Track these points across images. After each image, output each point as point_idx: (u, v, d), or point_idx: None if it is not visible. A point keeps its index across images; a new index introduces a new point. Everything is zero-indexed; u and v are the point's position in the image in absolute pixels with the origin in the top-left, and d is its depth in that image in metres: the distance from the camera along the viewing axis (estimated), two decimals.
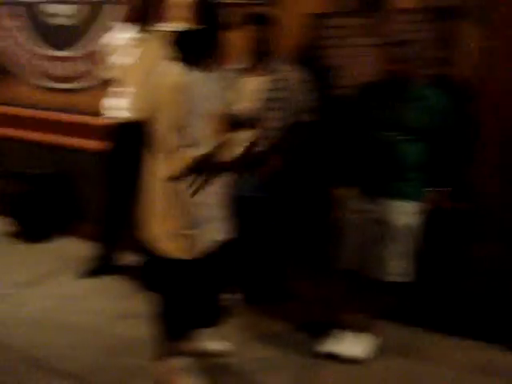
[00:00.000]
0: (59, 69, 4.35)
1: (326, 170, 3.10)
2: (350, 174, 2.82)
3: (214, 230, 2.34)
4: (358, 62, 3.13)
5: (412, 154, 2.65)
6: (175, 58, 2.18)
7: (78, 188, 4.33)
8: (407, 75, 2.62)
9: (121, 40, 3.43)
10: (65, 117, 4.31)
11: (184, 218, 2.24)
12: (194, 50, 2.19)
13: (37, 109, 4.46)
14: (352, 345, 2.84)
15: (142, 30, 3.34)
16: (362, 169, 2.75)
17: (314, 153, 3.27)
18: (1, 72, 4.68)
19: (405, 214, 2.67)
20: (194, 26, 2.16)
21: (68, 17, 4.22)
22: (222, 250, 2.42)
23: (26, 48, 4.49)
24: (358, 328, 2.86)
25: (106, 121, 3.55)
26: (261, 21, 3.04)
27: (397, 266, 2.69)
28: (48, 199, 4.28)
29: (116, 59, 3.45)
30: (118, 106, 3.43)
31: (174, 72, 2.15)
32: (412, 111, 2.62)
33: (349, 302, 2.86)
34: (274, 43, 3.08)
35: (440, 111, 2.64)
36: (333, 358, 2.81)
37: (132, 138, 3.21)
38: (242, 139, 2.35)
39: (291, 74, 3.08)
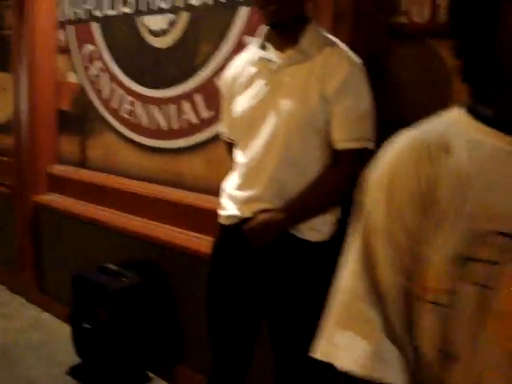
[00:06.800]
0: (154, 117, 2.78)
1: None
2: None
3: None
4: None
5: None
6: None
7: (181, 308, 2.67)
8: None
9: (247, 66, 1.75)
10: (163, 193, 2.72)
11: None
12: None
13: (127, 176, 2.94)
14: None
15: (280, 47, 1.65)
16: None
17: None
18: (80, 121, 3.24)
19: None
20: None
21: (166, 33, 2.67)
22: None
23: (106, 85, 3.01)
24: None
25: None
26: None
27: None
28: (136, 323, 2.65)
29: (241, 100, 1.75)
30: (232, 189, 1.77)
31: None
32: None
33: None
34: None
35: None
36: None
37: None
38: None
39: None
